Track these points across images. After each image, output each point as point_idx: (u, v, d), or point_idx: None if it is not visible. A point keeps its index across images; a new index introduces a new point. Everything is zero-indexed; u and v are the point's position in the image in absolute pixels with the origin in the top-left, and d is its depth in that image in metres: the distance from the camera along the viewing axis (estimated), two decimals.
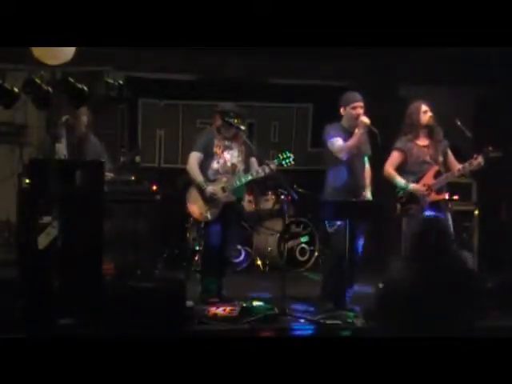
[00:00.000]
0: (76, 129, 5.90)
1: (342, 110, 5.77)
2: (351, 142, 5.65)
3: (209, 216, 5.86)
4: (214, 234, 5.93)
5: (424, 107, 5.77)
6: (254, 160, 6.04)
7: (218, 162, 5.91)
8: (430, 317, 3.09)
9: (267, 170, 5.86)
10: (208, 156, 5.93)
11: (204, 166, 5.93)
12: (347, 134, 5.70)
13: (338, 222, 5.73)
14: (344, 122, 5.78)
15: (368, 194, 5.86)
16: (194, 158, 5.94)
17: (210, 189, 5.82)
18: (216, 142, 5.93)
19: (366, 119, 5.60)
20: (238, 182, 5.89)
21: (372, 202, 5.84)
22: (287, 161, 6.01)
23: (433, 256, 3.22)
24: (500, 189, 7.67)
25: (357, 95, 5.77)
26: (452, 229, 5.69)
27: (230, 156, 5.94)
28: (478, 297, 3.23)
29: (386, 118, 7.94)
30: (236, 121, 5.85)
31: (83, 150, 5.92)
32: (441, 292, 3.11)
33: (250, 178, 5.93)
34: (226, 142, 5.95)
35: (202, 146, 5.95)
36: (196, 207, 5.92)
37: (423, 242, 3.26)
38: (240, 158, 5.97)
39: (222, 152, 5.93)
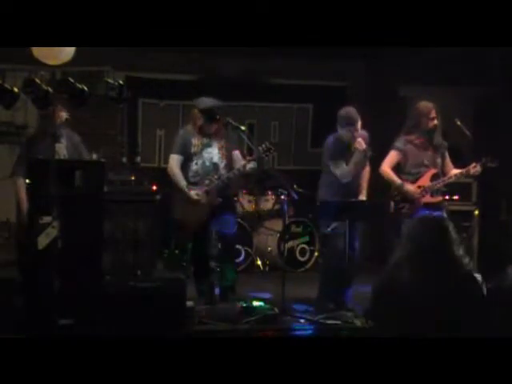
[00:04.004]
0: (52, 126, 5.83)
1: (338, 127, 5.76)
2: (351, 167, 5.72)
3: (194, 221, 5.71)
4: (203, 239, 5.82)
5: (433, 114, 5.71)
6: (237, 153, 5.84)
7: (197, 163, 5.75)
8: (425, 317, 3.10)
9: (248, 168, 5.68)
10: (187, 157, 5.76)
11: (184, 168, 5.77)
12: (347, 149, 5.73)
13: (335, 224, 5.75)
14: (342, 136, 5.78)
15: (362, 197, 5.86)
16: (174, 160, 5.77)
17: (193, 193, 5.67)
18: (194, 141, 5.75)
19: (360, 145, 5.63)
20: (220, 183, 5.72)
21: (365, 202, 5.84)
22: (268, 153, 5.70)
23: (428, 256, 3.22)
24: (500, 189, 7.67)
25: (353, 115, 5.69)
26: (452, 228, 5.71)
27: (209, 154, 5.75)
28: (475, 299, 3.22)
29: (386, 118, 7.96)
30: (218, 116, 5.66)
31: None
32: (435, 293, 3.12)
33: (232, 176, 5.72)
34: (205, 140, 5.76)
35: (181, 147, 5.77)
36: (181, 213, 5.76)
37: (418, 242, 3.27)
38: (220, 155, 5.77)
39: (201, 151, 5.74)
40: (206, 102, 5.73)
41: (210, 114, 5.67)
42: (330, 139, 5.88)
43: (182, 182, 5.73)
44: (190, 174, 5.77)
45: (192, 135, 5.79)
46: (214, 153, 5.78)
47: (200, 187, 5.72)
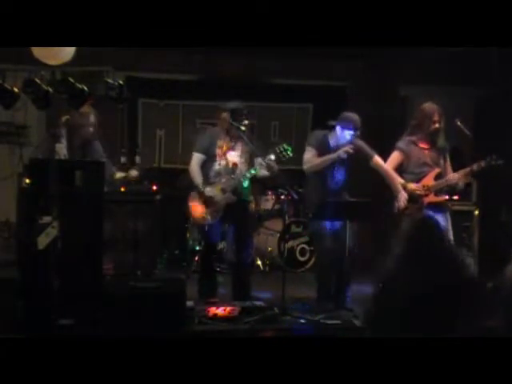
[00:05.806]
0: (81, 130, 5.86)
1: (337, 127, 5.75)
2: (317, 161, 5.72)
3: (209, 218, 5.80)
4: (215, 236, 5.95)
5: (437, 116, 5.69)
6: (259, 160, 5.89)
7: (220, 164, 5.85)
8: (425, 317, 3.10)
9: (264, 165, 5.70)
10: (210, 157, 5.87)
11: (206, 167, 5.88)
12: (332, 150, 5.72)
13: (321, 223, 5.77)
14: (336, 137, 5.77)
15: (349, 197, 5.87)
16: (196, 159, 5.90)
17: (207, 191, 5.76)
18: (219, 143, 5.86)
19: (343, 154, 5.63)
20: (236, 182, 5.80)
21: (358, 203, 5.84)
22: (285, 153, 5.71)
23: (425, 256, 3.23)
24: (500, 189, 7.67)
25: (355, 121, 5.68)
26: (448, 230, 5.71)
27: (232, 157, 5.86)
28: (476, 299, 3.21)
29: (386, 118, 7.96)
30: (246, 120, 5.79)
31: (86, 152, 5.91)
32: (434, 293, 3.12)
33: (248, 175, 5.81)
34: (231, 143, 5.87)
35: (204, 147, 5.89)
36: (197, 210, 5.85)
37: (415, 242, 3.28)
38: (243, 159, 5.88)
39: (225, 153, 5.85)
40: (237, 105, 5.85)
41: (235, 118, 5.75)
42: (327, 133, 5.90)
43: (199, 179, 5.82)
44: (212, 173, 5.87)
45: (218, 137, 5.89)
46: (236, 155, 5.87)
47: (216, 185, 5.81)
